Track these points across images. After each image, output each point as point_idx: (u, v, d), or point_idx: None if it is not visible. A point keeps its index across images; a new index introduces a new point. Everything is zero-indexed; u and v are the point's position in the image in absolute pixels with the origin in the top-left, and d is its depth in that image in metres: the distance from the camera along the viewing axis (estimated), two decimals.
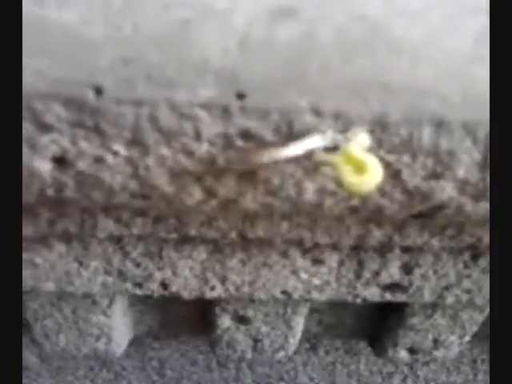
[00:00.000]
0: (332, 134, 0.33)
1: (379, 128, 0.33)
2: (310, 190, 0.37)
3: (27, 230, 0.47)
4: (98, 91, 0.31)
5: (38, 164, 0.34)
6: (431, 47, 0.31)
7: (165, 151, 0.33)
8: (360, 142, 0.31)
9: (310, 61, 0.31)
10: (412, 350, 0.79)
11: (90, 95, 0.31)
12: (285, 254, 0.55)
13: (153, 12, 0.30)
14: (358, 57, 0.31)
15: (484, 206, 0.40)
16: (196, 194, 0.37)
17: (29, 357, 0.93)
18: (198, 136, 0.33)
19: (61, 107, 0.31)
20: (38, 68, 0.30)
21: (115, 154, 0.34)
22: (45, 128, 0.32)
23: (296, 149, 0.33)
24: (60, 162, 0.34)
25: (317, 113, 0.32)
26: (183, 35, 0.30)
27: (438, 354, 0.80)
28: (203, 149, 0.33)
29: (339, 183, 0.32)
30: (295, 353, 0.93)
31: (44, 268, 0.55)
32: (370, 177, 0.30)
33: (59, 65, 0.30)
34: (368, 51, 0.31)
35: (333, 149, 0.33)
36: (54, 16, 0.30)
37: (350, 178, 0.31)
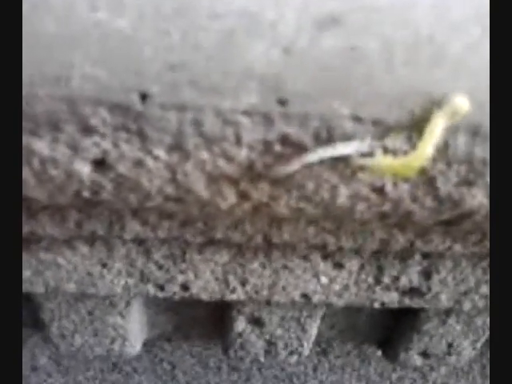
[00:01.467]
0: (369, 140, 0.33)
1: (416, 134, 0.33)
2: (343, 194, 0.37)
3: (54, 230, 0.48)
4: (144, 97, 0.32)
5: (78, 166, 0.35)
6: (472, 58, 0.32)
7: (204, 156, 0.34)
8: (457, 106, 0.31)
9: (353, 70, 0.31)
10: (425, 355, 0.79)
11: (136, 100, 0.32)
12: (306, 258, 0.56)
13: (201, 20, 0.31)
14: (401, 67, 0.31)
15: None
16: (230, 197, 0.37)
17: (40, 357, 0.93)
18: (238, 141, 0.33)
19: (106, 112, 0.32)
20: (86, 73, 0.31)
21: (156, 158, 0.34)
22: (88, 131, 0.33)
23: (331, 152, 0.33)
24: (100, 164, 0.35)
25: (356, 119, 0.33)
26: (229, 43, 0.31)
27: (451, 359, 0.80)
28: (243, 154, 0.34)
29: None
30: (305, 357, 0.93)
31: (66, 269, 0.56)
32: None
33: (108, 70, 0.31)
34: (411, 61, 0.31)
35: (369, 154, 0.34)
36: (105, 21, 0.30)
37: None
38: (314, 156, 0.33)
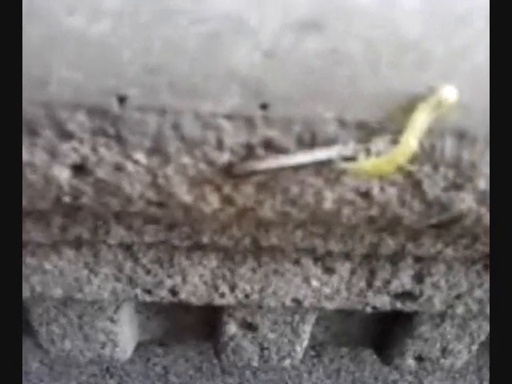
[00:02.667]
0: (352, 144, 0.33)
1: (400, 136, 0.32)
2: (329, 199, 0.36)
3: (38, 235, 0.47)
4: (122, 100, 0.31)
5: (57, 171, 0.34)
6: (458, 61, 0.31)
7: (186, 160, 0.33)
8: (445, 96, 0.30)
9: (336, 72, 0.31)
10: (419, 359, 0.78)
11: (114, 104, 0.31)
12: (297, 262, 0.55)
13: (182, 23, 0.30)
14: (386, 70, 0.30)
15: None
16: (214, 202, 0.37)
17: (31, 361, 0.92)
18: (219, 145, 0.32)
19: (84, 116, 0.31)
20: (64, 77, 0.30)
21: (135, 162, 0.33)
22: (66, 136, 0.32)
23: (311, 156, 0.33)
24: (79, 169, 0.34)
25: (340, 123, 0.32)
26: (211, 47, 0.30)
27: (446, 362, 0.79)
28: (224, 158, 0.33)
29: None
30: (300, 360, 0.92)
31: (53, 274, 0.55)
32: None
33: (85, 73, 0.30)
34: (396, 65, 0.30)
35: (352, 158, 0.33)
36: (83, 25, 0.29)
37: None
38: (292, 159, 0.32)
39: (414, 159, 0.32)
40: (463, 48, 0.31)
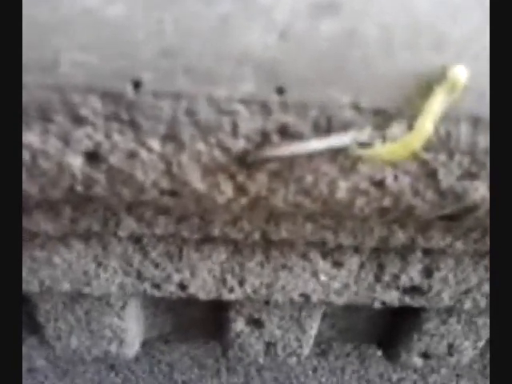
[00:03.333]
0: (369, 130, 0.32)
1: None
2: (343, 188, 0.36)
3: (48, 227, 0.47)
4: (137, 85, 0.31)
5: (70, 159, 0.34)
6: (473, 44, 0.31)
7: (200, 146, 0.33)
8: (455, 77, 0.30)
9: (351, 55, 0.30)
10: (426, 356, 0.78)
11: (129, 89, 0.31)
12: (305, 256, 0.55)
13: (195, 6, 0.30)
14: (401, 52, 0.30)
15: None
16: (227, 191, 0.36)
17: (37, 358, 0.92)
18: (234, 131, 0.32)
19: (98, 100, 0.31)
20: (77, 61, 0.30)
21: (149, 149, 0.33)
22: (79, 121, 0.32)
23: (324, 143, 0.32)
24: (92, 156, 0.34)
25: (356, 108, 0.32)
26: (224, 29, 0.30)
27: (452, 360, 0.79)
28: (240, 145, 0.33)
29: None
30: (306, 358, 0.92)
31: (61, 268, 0.55)
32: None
33: (99, 58, 0.30)
34: (411, 47, 0.30)
35: (368, 144, 0.33)
36: (97, 8, 0.29)
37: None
38: (307, 145, 0.32)
39: (429, 145, 0.32)
40: (478, 30, 0.31)
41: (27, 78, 0.30)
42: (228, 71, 0.30)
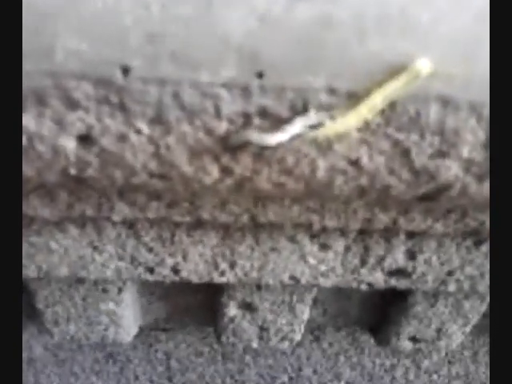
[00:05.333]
0: (314, 112, 0.35)
1: (388, 106, 0.34)
2: (321, 167, 0.38)
3: (45, 211, 0.49)
4: (126, 70, 0.33)
5: (64, 141, 0.36)
6: (441, 29, 0.33)
7: (186, 128, 0.35)
8: (420, 68, 0.32)
9: (326, 40, 0.33)
10: (415, 340, 0.80)
11: (118, 74, 0.33)
12: (293, 239, 0.57)
13: None
14: (373, 37, 0.32)
15: (487, 187, 0.42)
16: (213, 172, 0.39)
17: (36, 347, 0.94)
18: (218, 114, 0.34)
19: (90, 86, 0.33)
20: (70, 48, 0.32)
21: (138, 132, 0.35)
22: (73, 105, 0.34)
23: (282, 136, 0.35)
24: (85, 139, 0.36)
25: (331, 91, 0.34)
26: (207, 14, 0.32)
27: (441, 344, 0.81)
28: (223, 127, 0.35)
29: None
30: (299, 345, 0.94)
31: (58, 252, 0.57)
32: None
33: (90, 45, 0.32)
34: (382, 32, 0.32)
35: (318, 126, 0.35)
36: None
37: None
38: (265, 140, 0.34)
39: (400, 124, 0.34)
40: (447, 14, 0.33)
41: (25, 65, 0.32)
42: (211, 56, 0.32)
